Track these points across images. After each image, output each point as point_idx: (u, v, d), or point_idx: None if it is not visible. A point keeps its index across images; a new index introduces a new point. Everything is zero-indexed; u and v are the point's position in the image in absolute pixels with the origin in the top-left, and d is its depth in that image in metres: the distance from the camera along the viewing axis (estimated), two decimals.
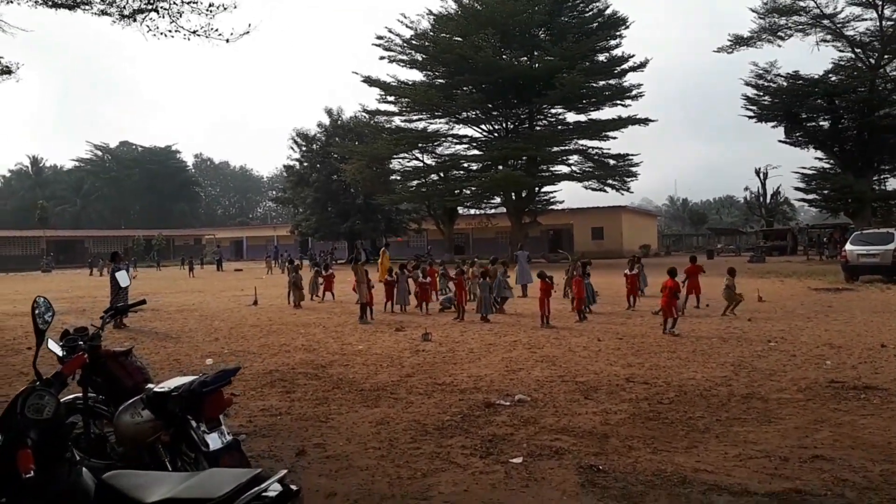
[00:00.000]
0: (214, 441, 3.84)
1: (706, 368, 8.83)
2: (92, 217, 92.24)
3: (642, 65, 46.15)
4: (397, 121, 52.02)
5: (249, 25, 11.00)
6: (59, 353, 4.39)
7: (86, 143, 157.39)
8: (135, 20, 11.11)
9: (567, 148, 47.79)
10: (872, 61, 40.60)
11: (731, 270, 15.62)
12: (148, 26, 10.68)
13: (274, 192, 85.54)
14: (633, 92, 46.25)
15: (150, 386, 4.36)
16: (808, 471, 4.94)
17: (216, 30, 10.80)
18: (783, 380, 8.04)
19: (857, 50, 41.34)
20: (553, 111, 49.29)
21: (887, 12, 39.61)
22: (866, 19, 40.62)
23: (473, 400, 7.28)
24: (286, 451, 5.69)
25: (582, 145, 48.17)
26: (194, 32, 10.60)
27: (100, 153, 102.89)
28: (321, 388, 8.07)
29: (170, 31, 10.63)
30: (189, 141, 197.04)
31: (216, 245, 68.77)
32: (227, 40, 10.90)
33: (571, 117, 49.27)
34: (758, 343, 10.80)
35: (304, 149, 59.45)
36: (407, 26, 48.84)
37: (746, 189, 72.04)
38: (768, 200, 64.19)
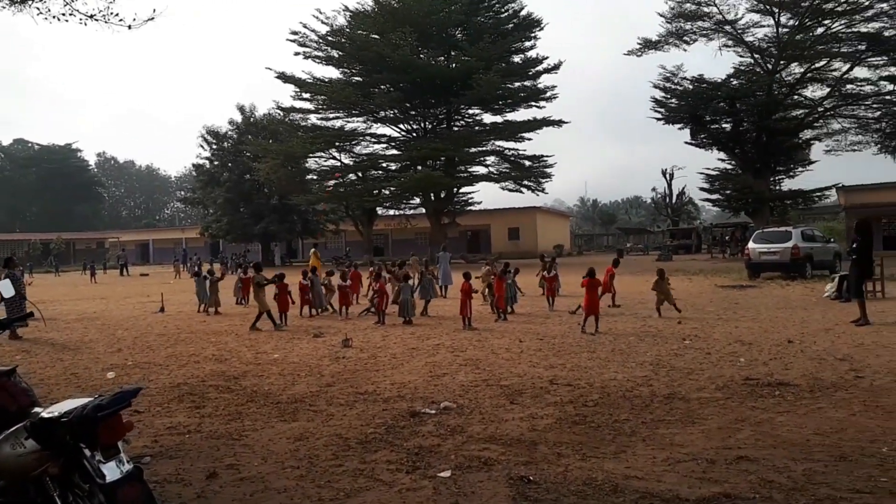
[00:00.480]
0: (112, 471, 3.41)
1: (626, 368, 8.90)
2: None
3: (556, 66, 47.19)
4: (313, 119, 51.15)
5: (154, 11, 10.21)
6: None
7: None
8: (24, 3, 10.16)
9: (484, 149, 48.25)
10: (770, 66, 42.98)
11: (661, 272, 15.44)
12: (38, 9, 9.76)
13: (182, 193, 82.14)
14: (548, 94, 47.21)
15: (37, 410, 3.86)
16: (735, 473, 4.95)
17: (116, 14, 9.99)
18: (701, 378, 8.19)
19: (756, 55, 43.70)
20: (470, 112, 49.67)
21: (783, 19, 42.09)
22: (764, 26, 43.06)
23: (398, 409, 7.01)
24: (195, 473, 5.24)
25: (499, 146, 48.80)
26: (91, 17, 9.77)
27: None
28: (234, 402, 7.60)
29: (63, 14, 9.76)
30: (92, 138, 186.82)
31: (121, 248, 65.29)
32: (129, 26, 10.10)
33: (488, 118, 49.89)
34: (673, 341, 11.03)
35: (214, 147, 57.45)
36: (323, 22, 48.06)
37: (654, 190, 75.44)
38: (674, 200, 67.06)
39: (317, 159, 51.38)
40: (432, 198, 47.45)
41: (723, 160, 47.80)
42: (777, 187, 46.43)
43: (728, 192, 45.83)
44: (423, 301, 16.40)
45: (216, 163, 57.45)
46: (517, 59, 47.72)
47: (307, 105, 49.62)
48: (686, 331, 12.18)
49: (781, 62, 42.65)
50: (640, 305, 16.89)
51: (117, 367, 10.10)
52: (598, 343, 11.06)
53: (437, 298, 18.47)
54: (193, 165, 60.97)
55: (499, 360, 9.70)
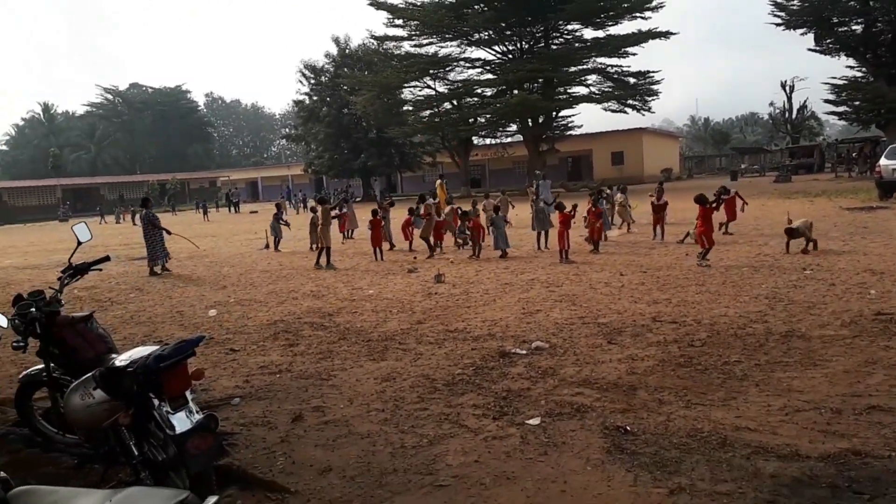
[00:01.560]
0: (181, 422, 3.35)
1: (738, 303, 8.24)
2: (107, 163, 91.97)
3: None
4: (407, 46, 50.38)
5: None
6: (3, 323, 3.89)
7: (96, 86, 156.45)
8: None
9: (585, 67, 45.98)
10: None
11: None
12: None
13: (286, 130, 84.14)
14: (654, 2, 43.91)
15: (113, 357, 3.87)
16: (865, 426, 4.38)
17: None
18: (824, 313, 7.43)
19: None
20: (569, 27, 47.17)
21: None
22: None
23: (487, 349, 6.79)
24: (281, 416, 5.25)
25: (600, 64, 46.34)
26: None
27: (110, 97, 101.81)
28: (326, 340, 7.64)
29: None
30: (198, 78, 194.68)
31: (234, 186, 68.27)
32: None
33: (589, 33, 47.16)
34: (792, 271, 10.15)
35: (312, 82, 57.98)
36: None
37: (772, 104, 69.85)
38: (794, 115, 62.02)
39: (412, 89, 51.00)
40: (530, 123, 46.11)
41: (851, 67, 43.33)
42: None
43: (857, 102, 41.64)
44: (536, 232, 15.81)
45: (315, 98, 58.11)
46: None
47: (400, 32, 48.89)
48: (807, 259, 11.18)
49: None
50: (754, 232, 15.73)
51: (220, 304, 10.44)
52: (708, 275, 10.36)
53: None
54: (294, 102, 62.09)
55: (597, 296, 9.27)
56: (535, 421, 4.77)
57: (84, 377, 3.61)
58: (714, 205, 12.19)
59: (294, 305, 9.99)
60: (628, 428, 4.54)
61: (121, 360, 3.56)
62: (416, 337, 7.52)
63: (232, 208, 51.32)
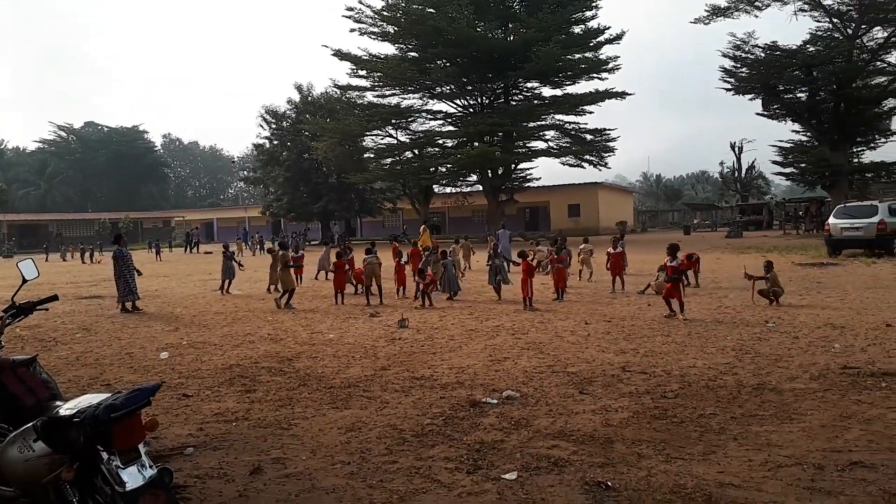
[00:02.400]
0: (133, 477, 3.00)
1: (706, 354, 8.18)
2: (57, 200, 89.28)
3: (618, 37, 45.35)
4: (370, 96, 50.87)
5: None
6: None
7: (49, 123, 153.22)
8: None
9: (543, 123, 47.07)
10: (850, 31, 40.22)
11: (769, 265, 13.26)
12: None
13: (245, 173, 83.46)
14: (610, 65, 45.47)
15: (58, 404, 3.50)
16: (851, 482, 4.25)
17: None
18: (791, 366, 7.41)
19: (835, 20, 40.87)
20: (529, 85, 48.42)
21: None
22: None
23: (456, 397, 6.53)
24: (239, 467, 4.87)
25: (558, 120, 47.51)
26: None
27: (64, 134, 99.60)
28: (286, 386, 7.26)
29: None
30: (156, 120, 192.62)
31: (194, 227, 66.82)
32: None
33: (547, 92, 48.47)
34: (755, 325, 10.20)
35: (273, 126, 58.00)
36: None
37: (721, 164, 72.13)
38: (743, 175, 64.31)
39: (373, 137, 51.24)
40: (489, 174, 46.63)
41: (797, 132, 45.30)
42: (856, 160, 43.66)
43: (803, 165, 43.46)
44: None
45: (276, 142, 58.02)
46: (577, 29, 46.03)
47: (363, 83, 49.39)
48: (768, 313, 11.28)
49: (863, 26, 39.81)
50: (712, 285, 15.93)
51: (172, 346, 9.97)
52: (673, 326, 10.33)
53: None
54: (254, 145, 61.88)
55: (564, 344, 9.13)
56: (511, 476, 4.51)
57: (24, 427, 3.24)
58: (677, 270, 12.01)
59: (251, 349, 9.58)
60: (609, 483, 4.32)
61: (66, 408, 3.21)
62: (380, 384, 7.21)
63: (188, 248, 50.15)
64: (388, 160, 50.36)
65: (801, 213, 47.71)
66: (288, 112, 57.64)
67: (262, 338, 10.58)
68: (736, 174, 64.25)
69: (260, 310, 14.24)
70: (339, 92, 52.79)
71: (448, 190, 55.20)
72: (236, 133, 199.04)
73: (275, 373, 7.99)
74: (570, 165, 47.70)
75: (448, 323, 11.50)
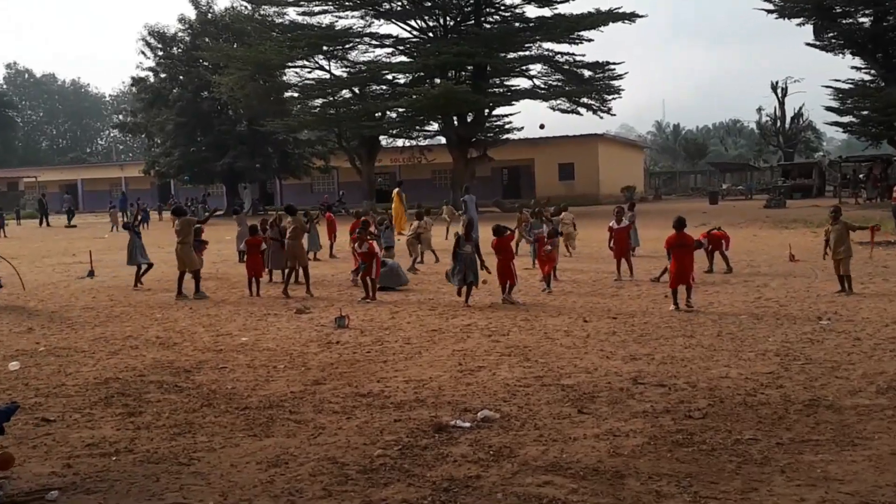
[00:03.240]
0: None
1: (742, 361, 8.39)
2: None
3: None
4: (292, 13, 50.44)
5: None
6: None
7: None
8: None
9: (527, 54, 47.25)
10: None
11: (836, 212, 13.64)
12: None
13: (120, 117, 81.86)
14: None
15: None
16: None
17: None
18: (853, 376, 7.64)
19: None
20: (507, 2, 48.41)
21: None
22: None
23: (416, 419, 6.58)
24: None
25: (547, 50, 47.69)
26: None
27: None
28: (183, 407, 7.22)
29: None
30: None
31: (65, 192, 65.22)
32: None
33: (533, 11, 48.55)
34: (804, 321, 10.48)
35: (160, 54, 56.86)
36: None
37: (760, 111, 73.60)
38: (787, 125, 65.63)
39: (298, 70, 50.76)
40: (455, 122, 46.66)
41: (858, 68, 46.38)
42: None
43: (865, 112, 44.49)
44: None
45: (163, 75, 56.98)
46: None
47: None
48: (820, 306, 11.58)
49: None
50: (748, 270, 16.27)
51: (25, 354, 9.85)
52: (698, 324, 10.53)
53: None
54: (133, 80, 60.47)
55: (556, 348, 9.27)
56: None
57: None
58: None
59: (134, 357, 9.52)
60: None
61: None
62: (313, 403, 7.22)
63: (43, 220, 49.01)
64: (319, 101, 49.96)
65: (861, 175, 48.97)
66: (180, 34, 56.60)
67: (150, 342, 10.49)
68: (778, 124, 65.60)
69: (144, 303, 14.09)
70: (250, 7, 52.03)
71: (400, 143, 55.07)
72: (108, 63, 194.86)
73: (168, 389, 7.93)
74: (563, 111, 48.04)
75: (402, 321, 11.52)
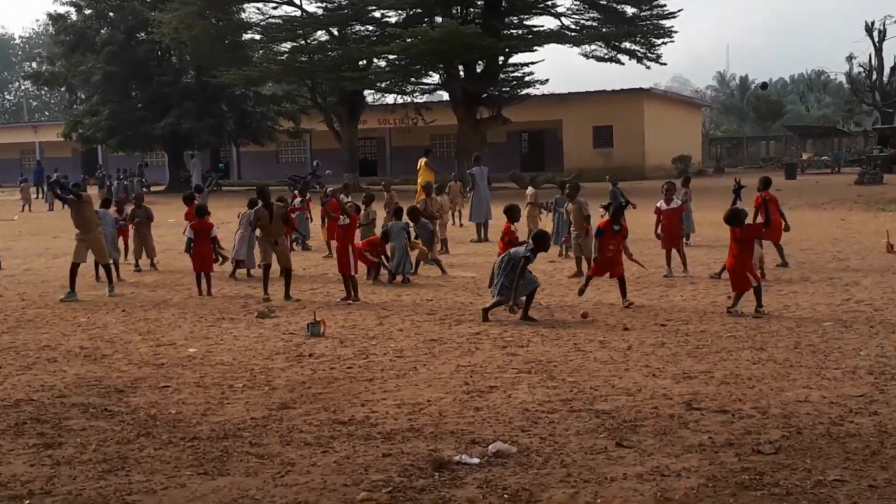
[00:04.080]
0: None
1: (826, 381, 8.41)
2: None
3: None
4: None
5: None
6: None
7: None
8: None
9: None
10: None
11: None
12: None
13: (34, 65, 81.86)
14: None
15: None
16: None
17: None
18: None
19: None
20: None
21: None
22: None
23: (411, 453, 6.63)
24: None
25: None
26: None
27: None
28: (115, 437, 7.27)
29: None
30: None
31: None
32: None
33: None
34: None
35: None
36: None
37: (850, 59, 73.27)
38: (885, 78, 65.48)
39: (260, 5, 50.75)
40: (461, 73, 46.66)
41: None
42: None
43: None
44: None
45: (88, 11, 57.00)
46: None
47: None
48: None
49: None
50: (833, 264, 16.28)
51: None
52: (770, 333, 10.57)
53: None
54: (50, 17, 60.56)
55: (589, 364, 9.30)
56: None
57: None
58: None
59: (52, 373, 9.58)
60: None
61: None
62: (280, 433, 7.26)
63: None
64: (287, 46, 50.02)
65: None
66: None
67: (72, 353, 10.53)
68: (874, 77, 65.41)
69: (64, 304, 14.19)
70: None
71: (390, 100, 55.06)
72: None
73: (95, 414, 7.96)
74: (599, 59, 48.08)
75: (393, 328, 11.56)
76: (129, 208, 20.51)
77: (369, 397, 8.24)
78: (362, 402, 8.09)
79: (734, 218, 12.11)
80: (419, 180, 25.52)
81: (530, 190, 21.83)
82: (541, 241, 12.22)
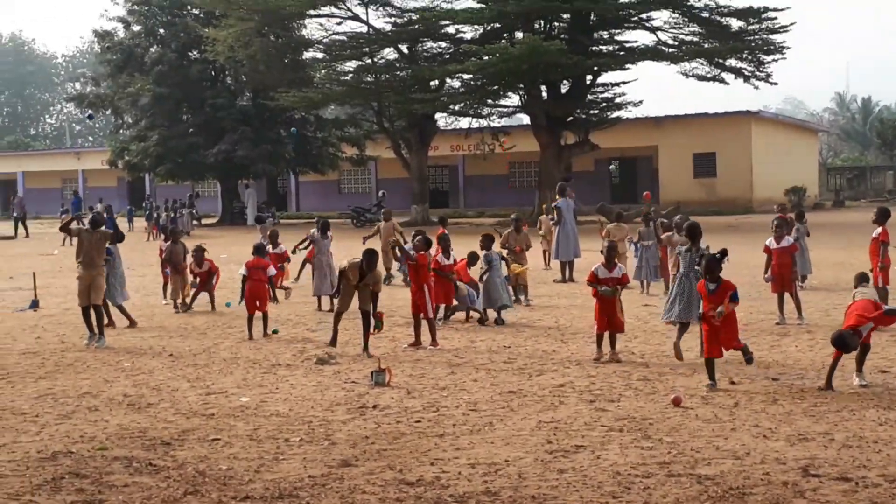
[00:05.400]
0: None
1: None
2: None
3: None
4: None
5: None
6: None
7: None
8: None
9: None
10: None
11: None
12: None
13: (77, 87, 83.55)
14: None
15: None
16: None
17: None
18: None
19: None
20: None
21: None
22: None
23: None
24: None
25: None
26: None
27: None
28: (160, 496, 7.33)
29: None
30: None
31: (14, 195, 66.75)
32: None
33: None
34: None
35: (132, 1, 58.00)
36: None
37: None
38: None
39: (323, 20, 51.27)
40: (544, 94, 46.69)
41: None
42: None
43: None
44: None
45: (137, 28, 58.00)
46: None
47: None
48: None
49: None
50: None
51: None
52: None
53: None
54: (96, 33, 61.76)
55: (690, 422, 9.20)
56: None
57: None
58: None
59: (93, 423, 9.68)
60: None
61: None
62: (340, 493, 7.28)
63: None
64: (351, 65, 50.51)
65: None
66: None
67: (114, 401, 10.63)
68: None
69: (107, 347, 14.37)
70: None
71: (464, 124, 55.29)
72: (61, 10, 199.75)
73: (139, 469, 8.02)
74: (700, 79, 47.86)
75: (467, 378, 11.53)
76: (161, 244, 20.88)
77: (440, 455, 8.20)
78: (432, 460, 8.06)
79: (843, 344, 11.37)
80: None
81: (610, 225, 21.74)
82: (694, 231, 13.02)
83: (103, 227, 15.69)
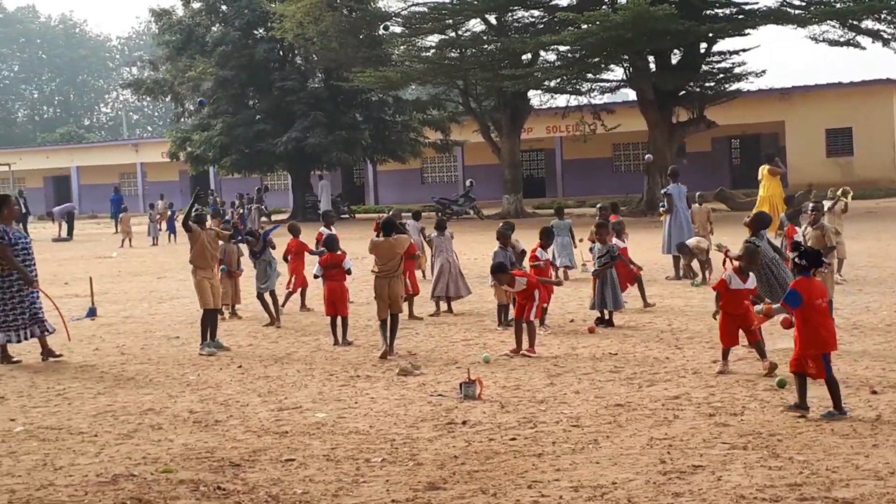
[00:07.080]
0: None
1: None
2: None
3: None
4: None
5: None
6: None
7: None
8: None
9: None
10: None
11: None
12: None
13: (134, 71, 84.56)
14: None
15: None
16: None
17: None
18: None
19: None
20: None
21: None
22: None
23: None
24: None
25: None
26: None
27: None
28: None
29: None
30: None
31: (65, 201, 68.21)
32: None
33: None
34: None
35: None
36: None
37: None
38: None
39: None
40: (651, 65, 46.36)
41: None
42: None
43: None
44: None
45: (197, 5, 58.54)
46: None
47: None
48: None
49: None
50: None
51: None
52: None
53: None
54: (153, 12, 62.48)
55: (824, 438, 9.05)
56: None
57: None
58: None
59: (156, 443, 9.81)
60: None
61: None
62: None
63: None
64: (434, 39, 50.54)
65: None
66: None
67: (179, 419, 10.75)
68: None
69: (171, 359, 14.57)
70: None
71: (561, 102, 55.11)
72: None
73: (207, 493, 8.10)
74: (833, 43, 47.04)
75: (568, 389, 11.50)
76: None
77: (538, 477, 8.16)
78: (529, 482, 8.02)
79: None
80: (765, 193, 25.80)
81: (695, 207, 21.82)
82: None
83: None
